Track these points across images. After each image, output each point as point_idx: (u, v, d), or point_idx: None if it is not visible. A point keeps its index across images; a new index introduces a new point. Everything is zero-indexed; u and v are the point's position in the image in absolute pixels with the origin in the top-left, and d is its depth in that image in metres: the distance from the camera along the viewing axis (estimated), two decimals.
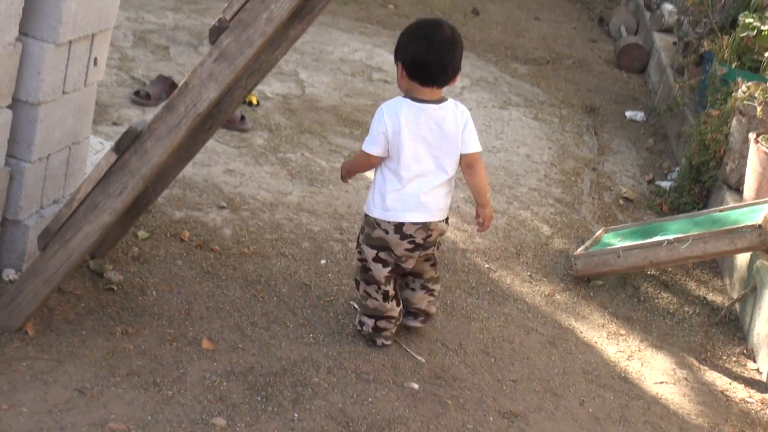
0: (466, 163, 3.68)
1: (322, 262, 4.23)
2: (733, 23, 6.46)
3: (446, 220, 3.74)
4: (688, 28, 7.08)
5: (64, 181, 3.68)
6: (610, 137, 6.49)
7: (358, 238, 3.77)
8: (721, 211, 4.87)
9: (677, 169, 5.98)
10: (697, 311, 4.56)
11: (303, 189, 4.78)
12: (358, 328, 3.78)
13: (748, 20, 6.00)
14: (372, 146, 3.61)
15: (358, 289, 3.81)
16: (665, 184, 5.83)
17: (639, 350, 4.16)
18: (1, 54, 3.21)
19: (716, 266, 5.02)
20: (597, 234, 4.92)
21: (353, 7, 8.24)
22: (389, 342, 3.77)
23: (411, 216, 3.63)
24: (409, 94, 3.63)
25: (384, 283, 3.72)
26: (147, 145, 3.09)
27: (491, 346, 3.92)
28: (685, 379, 4.02)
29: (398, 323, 3.80)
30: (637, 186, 5.80)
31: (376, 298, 3.73)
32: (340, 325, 3.80)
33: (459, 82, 6.78)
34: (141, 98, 5.26)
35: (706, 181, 5.43)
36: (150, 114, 5.09)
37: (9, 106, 3.35)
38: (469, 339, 3.93)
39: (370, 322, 3.75)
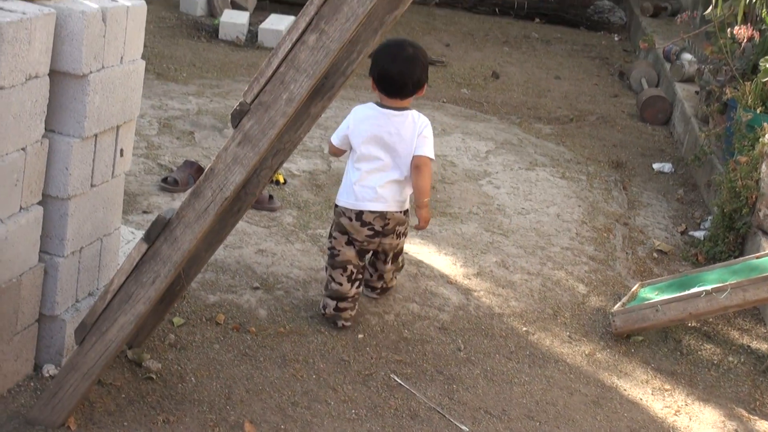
0: (415, 164, 4.22)
1: (360, 336, 4.22)
2: (754, 69, 6.46)
3: (406, 212, 4.30)
4: (709, 77, 7.08)
5: (97, 273, 3.70)
6: (640, 191, 6.48)
7: (331, 228, 4.36)
8: (758, 257, 4.83)
9: (710, 218, 5.95)
10: (743, 360, 4.51)
11: None
12: (322, 311, 4.31)
13: None
14: (335, 137, 4.34)
15: (326, 274, 4.36)
16: (699, 234, 5.79)
17: (686, 404, 4.10)
18: (29, 152, 3.25)
19: (758, 313, 4.96)
20: (633, 289, 4.89)
21: None
22: (349, 323, 4.27)
23: (370, 205, 4.22)
24: (377, 101, 4.28)
25: (353, 262, 4.29)
26: (177, 233, 3.11)
27: (535, 410, 3.88)
28: (736, 430, 3.97)
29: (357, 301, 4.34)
30: (671, 238, 5.77)
31: (340, 282, 4.28)
32: (381, 398, 3.78)
33: (484, 146, 6.79)
34: (169, 185, 5.30)
35: (740, 228, 5.40)
36: (179, 200, 5.13)
37: (39, 203, 3.39)
38: (512, 404, 3.89)
39: (332, 303, 4.28)
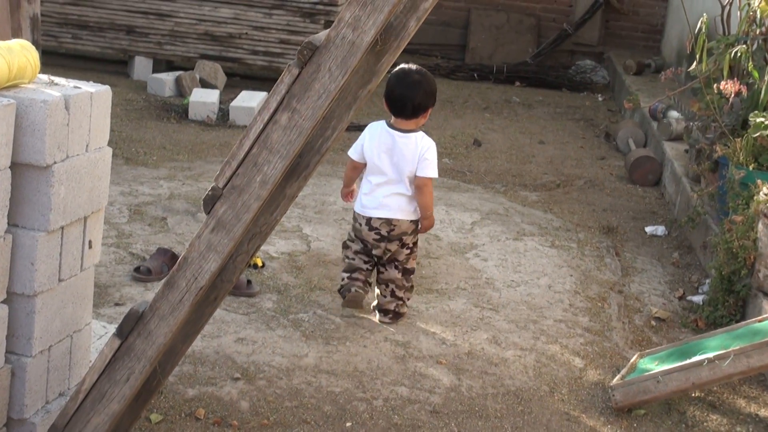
0: (416, 184, 5.03)
1: (348, 424, 4.18)
2: (744, 124, 6.51)
3: (413, 222, 5.08)
4: (697, 135, 7.14)
5: (68, 371, 3.67)
6: (633, 256, 6.49)
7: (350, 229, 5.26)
8: (760, 321, 4.83)
9: (707, 281, 5.95)
10: (751, 430, 4.48)
11: (319, 349, 4.76)
12: (338, 286, 5.20)
13: (759, 119, 6.04)
14: (352, 152, 5.14)
15: (342, 256, 5.24)
16: (697, 299, 5.79)
17: None
18: None
19: (764, 380, 4.95)
20: (632, 360, 4.87)
21: None
22: (360, 292, 5.09)
23: (376, 212, 5.05)
24: (388, 120, 5.07)
25: (358, 252, 5.14)
26: (150, 326, 3.09)
27: None
28: None
29: (368, 283, 5.17)
30: (668, 304, 5.77)
31: (352, 258, 5.15)
32: None
33: (468, 217, 6.81)
34: (142, 274, 5.28)
35: (739, 290, 5.40)
36: (153, 290, 5.11)
37: (4, 301, 3.37)
38: None
39: (346, 275, 5.15)
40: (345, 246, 5.21)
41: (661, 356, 4.83)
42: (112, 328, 4.31)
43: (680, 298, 5.87)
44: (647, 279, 6.13)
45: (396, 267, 5.12)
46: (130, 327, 3.12)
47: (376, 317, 5.14)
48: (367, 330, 5.00)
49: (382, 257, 5.13)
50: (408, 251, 5.13)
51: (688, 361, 4.54)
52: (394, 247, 5.08)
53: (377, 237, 5.06)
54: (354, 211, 5.15)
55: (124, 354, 3.13)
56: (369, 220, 5.06)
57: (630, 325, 5.43)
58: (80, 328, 3.69)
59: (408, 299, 5.20)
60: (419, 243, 5.39)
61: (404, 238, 5.09)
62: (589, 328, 5.32)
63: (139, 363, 3.12)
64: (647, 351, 4.98)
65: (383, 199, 5.03)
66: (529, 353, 4.97)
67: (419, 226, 5.13)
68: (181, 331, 3.39)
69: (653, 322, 5.49)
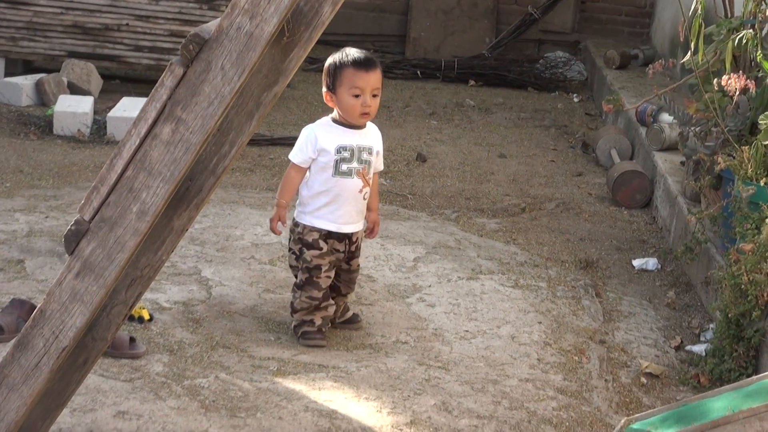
0: None
1: None
2: (753, 129, 6.56)
3: (294, 222, 5.68)
4: (695, 143, 7.20)
5: None
6: (618, 297, 6.55)
7: None
8: None
9: (711, 326, 6.00)
10: None
11: (222, 423, 4.75)
12: None
13: None
14: None
15: None
16: (699, 349, 5.84)
17: None
18: None
19: None
20: (618, 427, 4.89)
21: (262, 173, 8.35)
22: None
23: None
24: None
25: None
26: None
27: None
28: None
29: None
30: (662, 356, 5.82)
31: None
32: None
33: (410, 251, 6.84)
34: None
35: (751, 336, 5.44)
36: (5, 352, 5.06)
37: None
38: None
39: None
40: None
41: (653, 422, 4.86)
42: None
43: (677, 348, 5.92)
44: (636, 325, 6.17)
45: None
46: None
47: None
48: (283, 398, 4.99)
49: None
50: (294, 256, 5.70)
51: (687, 428, 4.58)
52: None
53: None
54: None
55: None
56: None
57: (615, 384, 5.47)
58: None
59: (294, 314, 5.65)
60: None
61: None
62: (562, 389, 5.35)
63: None
64: (636, 416, 5.01)
65: None
66: (488, 422, 4.98)
67: (298, 227, 5.65)
68: (40, 404, 3.37)
69: (644, 380, 5.53)
